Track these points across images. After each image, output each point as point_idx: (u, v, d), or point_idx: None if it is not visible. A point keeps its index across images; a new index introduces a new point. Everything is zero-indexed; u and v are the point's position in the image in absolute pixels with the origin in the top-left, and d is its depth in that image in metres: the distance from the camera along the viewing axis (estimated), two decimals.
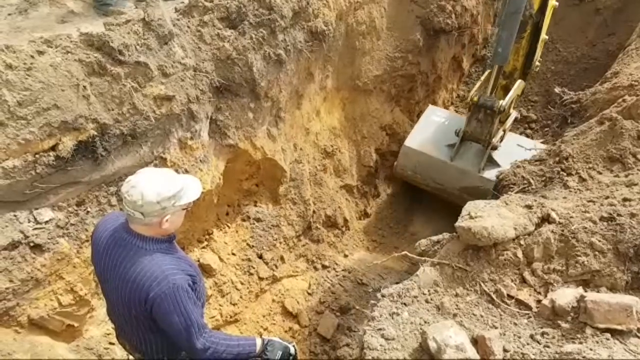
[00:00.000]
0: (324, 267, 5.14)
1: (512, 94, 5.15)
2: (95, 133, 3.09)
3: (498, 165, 5.32)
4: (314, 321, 4.60)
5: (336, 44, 5.23)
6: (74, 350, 3.33)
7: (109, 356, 3.50)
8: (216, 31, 3.82)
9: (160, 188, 2.01)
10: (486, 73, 5.23)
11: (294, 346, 2.37)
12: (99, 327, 3.60)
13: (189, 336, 2.06)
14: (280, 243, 4.91)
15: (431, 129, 6.14)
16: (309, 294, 4.82)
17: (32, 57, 2.83)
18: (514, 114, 5.76)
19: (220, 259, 4.46)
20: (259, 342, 2.29)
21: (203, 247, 4.49)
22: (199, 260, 4.29)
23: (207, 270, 4.31)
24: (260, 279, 4.59)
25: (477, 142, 5.54)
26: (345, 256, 5.48)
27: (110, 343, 3.62)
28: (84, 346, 3.41)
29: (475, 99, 5.21)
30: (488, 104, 5.13)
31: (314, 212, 5.34)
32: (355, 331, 4.37)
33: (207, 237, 4.54)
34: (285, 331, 4.41)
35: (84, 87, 3.00)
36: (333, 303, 4.78)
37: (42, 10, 3.86)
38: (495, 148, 5.47)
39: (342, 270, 5.16)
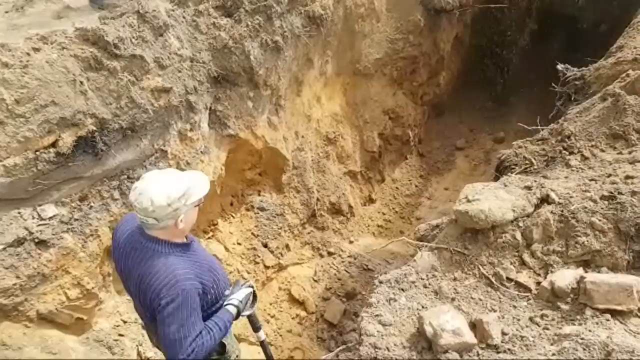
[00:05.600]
0: (330, 253, 5.14)
1: None
2: (95, 128, 3.10)
3: None
4: (321, 307, 4.63)
5: (335, 27, 5.16)
6: (84, 342, 3.38)
7: (118, 348, 3.55)
8: (212, 20, 3.79)
9: (169, 190, 1.97)
10: None
11: (250, 285, 2.35)
12: (108, 320, 3.64)
13: (179, 347, 1.99)
14: (285, 231, 4.93)
15: None
16: (315, 280, 4.84)
17: (27, 54, 2.84)
18: None
19: (226, 249, 4.49)
20: (232, 309, 2.21)
21: (209, 238, 4.52)
22: None
23: None
24: (266, 267, 4.61)
25: None
26: (351, 242, 5.48)
27: (120, 335, 3.66)
28: (94, 338, 3.46)
29: None
30: None
31: (318, 199, 5.34)
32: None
33: (212, 227, 4.57)
34: (293, 318, 4.44)
35: (81, 82, 3.00)
36: (339, 289, 4.80)
37: (38, 6, 3.87)
38: None
39: (348, 256, 5.17)
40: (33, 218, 3.00)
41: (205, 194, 2.13)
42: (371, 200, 6.20)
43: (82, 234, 3.22)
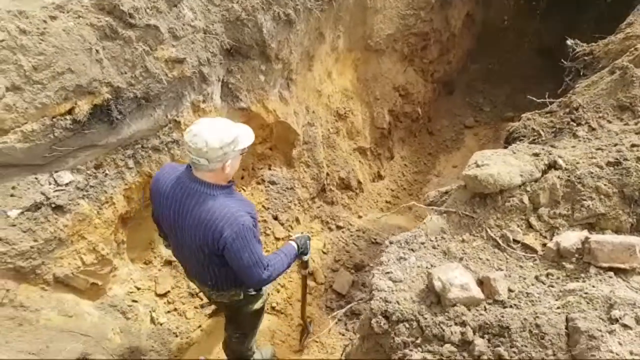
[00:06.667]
0: (339, 227, 5.20)
1: None
2: (110, 97, 3.15)
3: None
4: (330, 278, 4.71)
5: (347, 2, 5.14)
6: (99, 307, 3.47)
7: (132, 313, 3.65)
8: None
9: (222, 134, 2.24)
10: None
11: (307, 235, 3.04)
12: (122, 286, 3.74)
13: (257, 270, 2.41)
14: (295, 205, 4.99)
15: None
16: (324, 253, 4.92)
17: (44, 22, 2.87)
18: None
19: None
20: (292, 243, 2.87)
21: None
22: None
23: None
24: (277, 239, 4.69)
25: None
26: (359, 217, 5.54)
27: (134, 301, 3.77)
28: (109, 303, 3.56)
29: None
30: None
31: (327, 174, 5.38)
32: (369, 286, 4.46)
33: None
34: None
35: (97, 51, 3.04)
36: (348, 261, 4.87)
37: None
38: None
39: (356, 230, 5.22)
40: (50, 184, 3.07)
41: (250, 143, 2.48)
42: (380, 177, 6.22)
43: (97, 201, 3.29)
